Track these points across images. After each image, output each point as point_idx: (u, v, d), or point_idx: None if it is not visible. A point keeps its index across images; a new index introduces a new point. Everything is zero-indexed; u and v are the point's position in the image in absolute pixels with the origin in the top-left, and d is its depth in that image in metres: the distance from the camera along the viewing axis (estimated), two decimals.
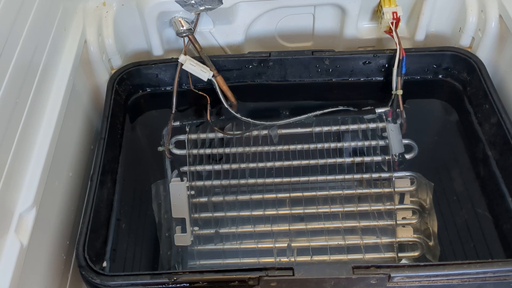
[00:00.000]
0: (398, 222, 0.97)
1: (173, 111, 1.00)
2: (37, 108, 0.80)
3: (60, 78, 0.87)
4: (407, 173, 0.99)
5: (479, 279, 0.72)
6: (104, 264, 0.81)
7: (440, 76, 1.04)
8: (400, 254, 0.97)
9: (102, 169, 0.86)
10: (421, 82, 1.04)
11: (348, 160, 0.99)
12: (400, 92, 0.98)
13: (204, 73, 1.00)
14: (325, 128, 0.99)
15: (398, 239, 0.97)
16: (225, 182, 0.97)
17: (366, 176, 0.98)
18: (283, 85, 1.04)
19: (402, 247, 0.99)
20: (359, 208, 0.97)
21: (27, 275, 0.70)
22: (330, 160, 0.98)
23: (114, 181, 0.91)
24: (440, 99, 1.06)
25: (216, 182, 0.97)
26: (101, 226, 0.84)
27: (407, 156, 0.98)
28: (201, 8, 1.00)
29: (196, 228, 0.97)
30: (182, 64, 1.00)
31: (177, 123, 1.01)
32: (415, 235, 0.98)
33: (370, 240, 0.97)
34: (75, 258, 0.77)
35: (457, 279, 0.72)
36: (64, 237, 0.85)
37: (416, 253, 0.98)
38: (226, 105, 1.01)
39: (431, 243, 0.97)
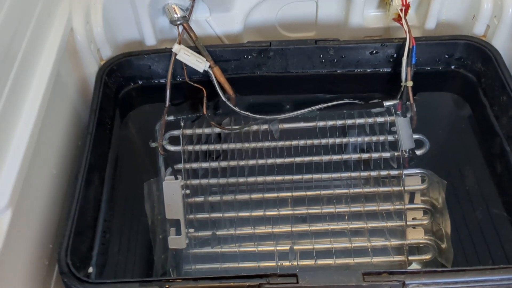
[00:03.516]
0: (408, 223, 0.93)
1: (167, 105, 0.95)
2: (15, 99, 0.74)
3: (42, 68, 0.81)
4: (418, 170, 0.94)
5: (503, 286, 0.66)
6: (90, 270, 0.76)
7: (452, 67, 1.00)
8: (410, 257, 0.92)
9: (88, 167, 0.81)
10: (432, 74, 1.00)
11: (355, 156, 0.94)
12: (410, 83, 0.94)
13: (199, 63, 0.95)
14: (330, 123, 0.95)
15: (408, 241, 0.92)
16: (222, 180, 0.93)
17: (373, 173, 0.93)
18: (284, 77, 1.00)
19: (412, 249, 0.94)
20: (366, 208, 0.93)
21: (3, 284, 0.63)
22: (335, 157, 0.93)
23: (102, 179, 0.86)
24: (452, 92, 1.01)
25: (213, 181, 0.93)
26: (87, 228, 0.79)
27: (418, 152, 0.94)
28: None
29: (191, 230, 0.93)
30: (176, 54, 0.95)
31: (171, 118, 0.96)
32: (426, 237, 0.94)
33: (378, 242, 0.93)
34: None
35: (478, 286, 0.66)
36: (47, 241, 0.79)
37: (427, 256, 0.93)
38: (223, 98, 0.97)
39: (443, 246, 0.92)
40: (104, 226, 0.82)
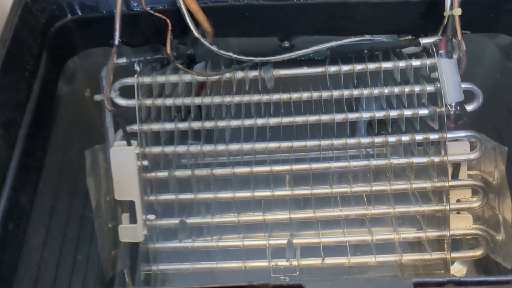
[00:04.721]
0: (451, 206, 0.80)
1: (117, 42, 0.75)
2: None
3: None
4: (467, 133, 0.79)
5: None
6: None
7: None
8: (453, 254, 0.81)
9: None
10: (484, 3, 0.79)
11: (379, 115, 0.79)
12: (457, 11, 0.73)
13: None
14: (345, 68, 0.79)
15: (451, 232, 0.81)
16: (194, 148, 0.80)
17: (405, 138, 0.79)
18: (281, 6, 0.79)
19: (456, 243, 0.85)
20: (393, 187, 0.80)
21: None
22: (352, 115, 0.79)
23: (11, 140, 0.63)
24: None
25: (182, 148, 0.80)
26: None
27: (468, 108, 0.78)
28: None
29: (151, 217, 0.81)
30: None
31: (123, 60, 0.79)
32: (475, 226, 0.83)
33: (409, 233, 0.82)
34: None
35: None
36: None
37: (477, 253, 0.83)
38: (196, 34, 0.76)
39: (499, 238, 0.80)
40: (9, 208, 0.59)
